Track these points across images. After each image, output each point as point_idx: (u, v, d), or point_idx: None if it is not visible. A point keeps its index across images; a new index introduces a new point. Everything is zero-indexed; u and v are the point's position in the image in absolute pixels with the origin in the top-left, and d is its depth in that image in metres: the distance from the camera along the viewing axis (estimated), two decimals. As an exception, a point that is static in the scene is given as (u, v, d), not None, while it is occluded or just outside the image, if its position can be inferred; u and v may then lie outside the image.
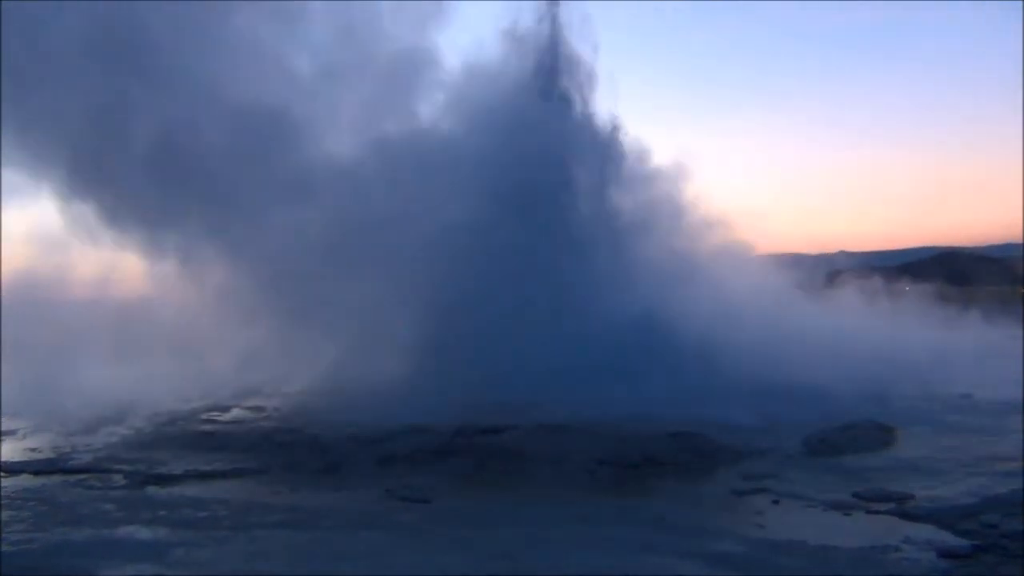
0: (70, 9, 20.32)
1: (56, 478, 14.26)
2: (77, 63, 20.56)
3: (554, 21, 23.93)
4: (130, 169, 20.97)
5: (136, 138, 20.90)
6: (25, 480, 14.18)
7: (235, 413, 19.95)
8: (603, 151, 23.67)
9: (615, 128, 24.00)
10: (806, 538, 10.10)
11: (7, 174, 21.97)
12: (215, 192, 21.07)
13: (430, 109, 23.97)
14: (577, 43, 23.97)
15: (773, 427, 15.39)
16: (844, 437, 15.01)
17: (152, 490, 13.34)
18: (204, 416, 19.49)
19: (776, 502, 11.76)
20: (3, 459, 15.71)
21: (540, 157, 21.58)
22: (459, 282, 20.11)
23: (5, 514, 11.80)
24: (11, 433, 18.65)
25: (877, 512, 11.18)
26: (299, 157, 21.64)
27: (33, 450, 16.72)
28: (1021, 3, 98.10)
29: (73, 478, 14.22)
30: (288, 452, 15.42)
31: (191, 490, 13.24)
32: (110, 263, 24.24)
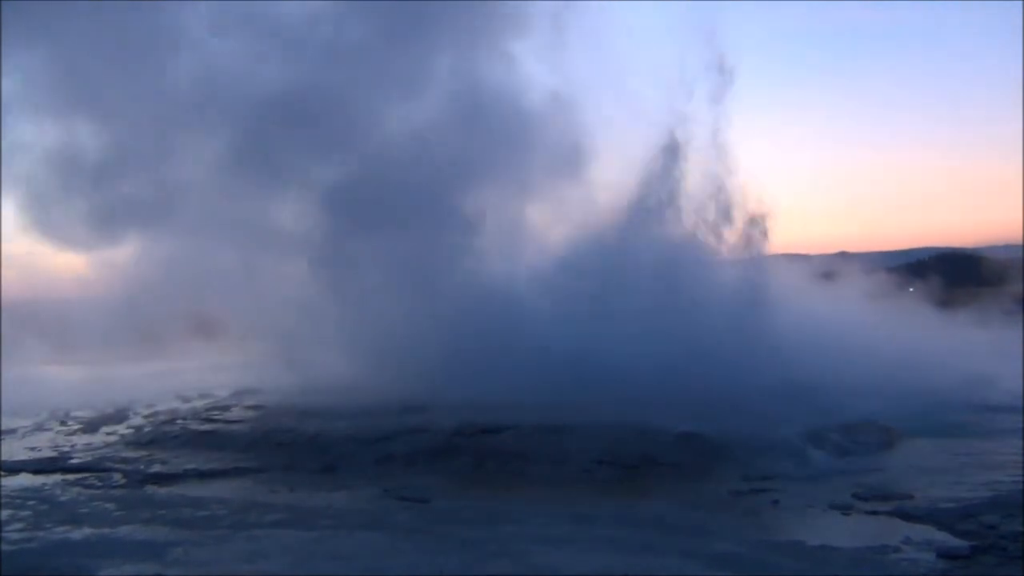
0: None
1: (56, 477, 14.29)
2: None
3: None
4: None
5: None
6: (25, 479, 14.22)
7: (234, 412, 19.93)
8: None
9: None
10: (805, 538, 10.11)
11: None
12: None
13: None
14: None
15: (773, 427, 15.36)
16: (844, 437, 15.01)
17: (151, 489, 13.37)
18: (204, 415, 19.48)
19: (775, 502, 11.76)
20: (3, 458, 15.73)
21: None
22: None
23: (5, 513, 11.82)
24: (11, 432, 18.68)
25: (876, 513, 11.18)
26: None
27: (33, 449, 16.74)
28: (1021, 3, 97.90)
29: (72, 477, 14.25)
30: (287, 452, 15.44)
31: (190, 489, 13.26)
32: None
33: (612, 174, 23.80)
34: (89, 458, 15.65)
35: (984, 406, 18.30)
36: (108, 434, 18.23)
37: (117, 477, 14.18)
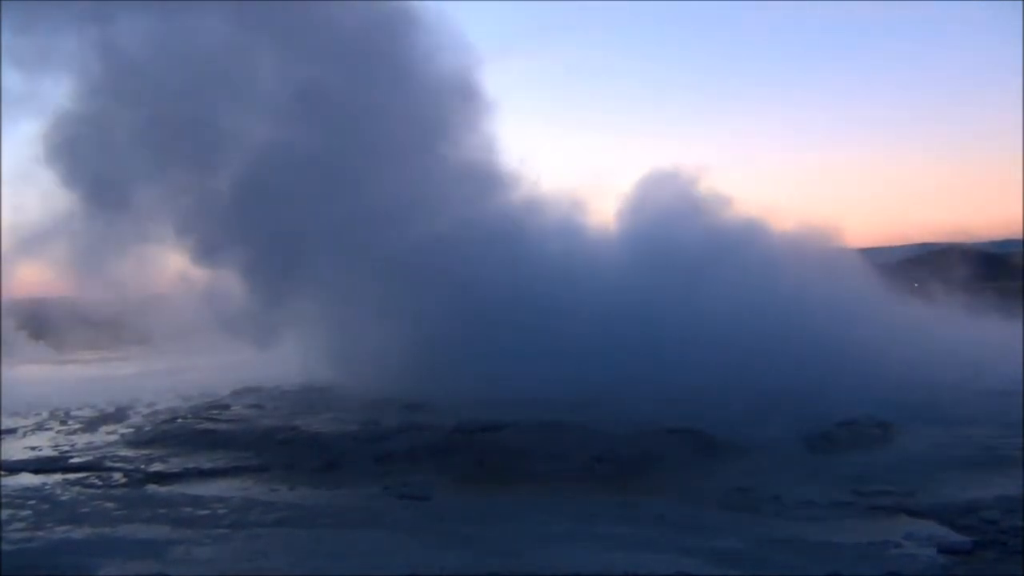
0: None
1: (56, 476, 14.27)
2: None
3: None
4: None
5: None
6: (25, 478, 14.20)
7: (235, 411, 19.93)
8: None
9: None
10: (806, 534, 10.11)
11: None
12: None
13: None
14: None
15: (773, 424, 15.36)
16: (844, 433, 15.00)
17: (152, 488, 13.36)
18: (204, 414, 19.48)
19: (776, 498, 11.74)
20: (3, 457, 15.73)
21: None
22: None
23: (5, 513, 11.80)
24: (11, 431, 18.67)
25: (877, 508, 11.17)
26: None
27: (33, 449, 16.74)
28: (1021, 3, 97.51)
29: (73, 476, 14.24)
30: (288, 450, 15.44)
31: (191, 488, 13.25)
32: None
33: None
34: (90, 457, 15.63)
35: (985, 402, 18.27)
36: (108, 433, 18.21)
37: (118, 476, 14.17)
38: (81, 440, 17.54)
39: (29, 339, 38.63)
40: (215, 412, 19.71)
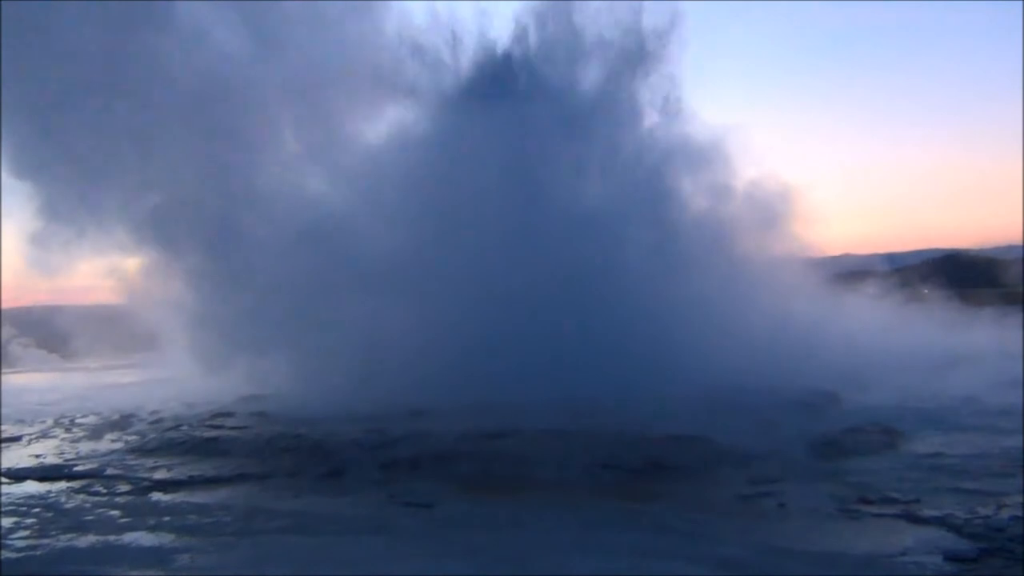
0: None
1: (60, 484, 14.29)
2: None
3: None
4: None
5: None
6: (29, 486, 14.23)
7: (239, 418, 19.92)
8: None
9: None
10: (812, 542, 10.08)
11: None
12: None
13: None
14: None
15: (777, 431, 15.34)
16: (849, 440, 14.97)
17: (156, 496, 13.36)
18: (208, 422, 19.49)
19: (781, 506, 11.72)
20: (7, 465, 15.76)
21: None
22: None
23: (9, 520, 11.82)
24: (15, 439, 18.70)
25: (883, 516, 11.14)
26: None
27: (37, 456, 16.76)
28: (1021, 3, 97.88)
29: (77, 484, 14.26)
30: (291, 458, 15.45)
31: (195, 496, 13.26)
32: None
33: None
34: (94, 465, 15.65)
35: (988, 408, 18.24)
36: (113, 441, 18.23)
37: (122, 484, 14.17)
38: (85, 448, 17.55)
39: (33, 347, 38.77)
40: (219, 420, 19.69)
